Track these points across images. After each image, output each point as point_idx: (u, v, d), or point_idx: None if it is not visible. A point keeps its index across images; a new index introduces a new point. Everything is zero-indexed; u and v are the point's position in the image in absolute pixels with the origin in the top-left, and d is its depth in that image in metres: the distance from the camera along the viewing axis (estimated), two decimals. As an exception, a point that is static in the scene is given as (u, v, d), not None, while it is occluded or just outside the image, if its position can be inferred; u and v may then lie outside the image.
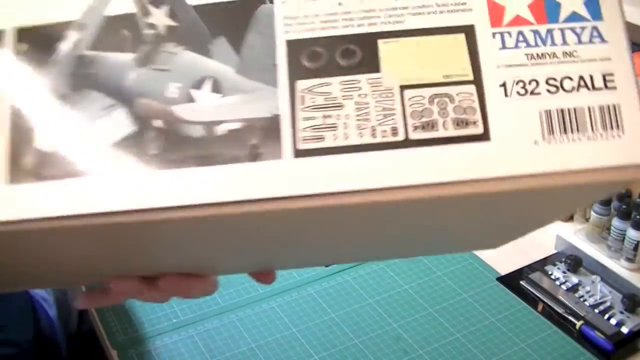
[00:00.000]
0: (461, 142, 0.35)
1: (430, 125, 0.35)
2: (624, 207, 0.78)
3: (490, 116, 0.35)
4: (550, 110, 0.35)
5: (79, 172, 0.35)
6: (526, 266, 0.80)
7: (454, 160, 0.35)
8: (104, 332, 0.79)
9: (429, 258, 0.80)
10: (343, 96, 0.36)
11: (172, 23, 0.38)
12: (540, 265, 0.80)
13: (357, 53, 0.36)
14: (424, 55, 0.36)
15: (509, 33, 0.36)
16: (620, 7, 0.37)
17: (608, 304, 0.73)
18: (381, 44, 0.36)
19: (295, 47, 0.36)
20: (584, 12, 0.37)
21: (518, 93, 0.36)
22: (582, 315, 0.71)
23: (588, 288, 0.75)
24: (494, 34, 0.36)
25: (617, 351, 0.69)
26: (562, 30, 0.37)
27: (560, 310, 0.71)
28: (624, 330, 0.69)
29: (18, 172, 0.35)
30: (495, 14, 0.37)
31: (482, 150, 0.35)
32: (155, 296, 0.50)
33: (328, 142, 0.35)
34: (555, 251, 0.84)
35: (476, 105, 0.35)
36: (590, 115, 0.36)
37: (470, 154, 0.35)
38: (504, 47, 0.36)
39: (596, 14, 0.37)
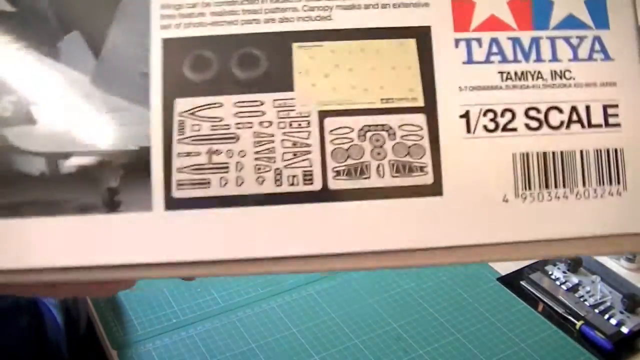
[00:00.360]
0: (401, 195, 0.25)
1: (359, 171, 0.25)
2: None
3: (444, 160, 0.25)
4: (528, 154, 0.25)
5: None
6: (526, 266, 0.76)
7: (390, 223, 0.25)
8: (104, 332, 0.76)
9: None
10: (238, 124, 0.25)
11: (7, 8, 0.27)
12: (540, 265, 0.76)
13: (261, 62, 0.26)
14: (356, 68, 0.26)
15: (479, 41, 0.26)
16: (634, 11, 0.26)
17: (608, 304, 0.71)
18: (296, 49, 0.26)
19: (174, 49, 0.26)
20: (584, 15, 0.26)
21: (485, 128, 0.25)
22: (582, 315, 0.69)
23: (588, 288, 0.73)
24: (457, 41, 0.26)
25: (617, 351, 0.66)
26: (552, 40, 0.26)
27: (560, 310, 0.69)
28: (624, 330, 0.67)
29: None
30: (461, 12, 0.26)
31: (430, 208, 0.25)
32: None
33: (214, 190, 0.25)
34: None
35: (426, 143, 0.25)
36: (582, 163, 0.25)
37: (414, 214, 0.25)
38: (469, 60, 0.26)
39: (601, 20, 0.26)
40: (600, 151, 0.25)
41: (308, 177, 0.25)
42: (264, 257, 0.25)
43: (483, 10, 0.26)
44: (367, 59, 0.26)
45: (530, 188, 0.25)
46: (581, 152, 0.25)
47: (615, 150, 0.25)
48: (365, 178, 0.25)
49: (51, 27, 0.26)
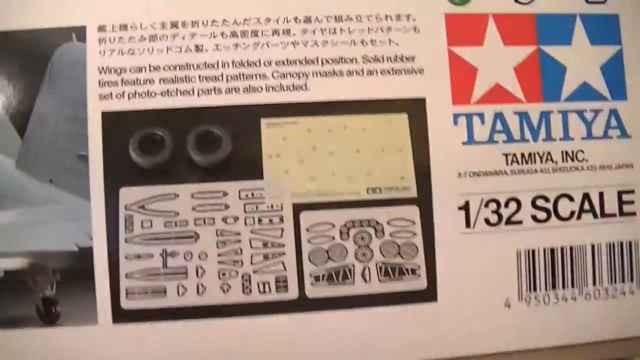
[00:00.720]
0: (391, 303, 0.21)
1: (342, 275, 0.21)
2: None
3: (439, 261, 0.22)
4: (534, 251, 0.22)
5: None
6: None
7: (377, 335, 0.22)
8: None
9: None
10: (198, 219, 0.21)
11: None
12: None
13: (223, 142, 0.21)
14: (338, 150, 0.21)
15: (481, 116, 0.22)
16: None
17: None
18: (266, 127, 0.21)
19: (118, 125, 0.21)
20: (599, 83, 0.22)
21: (487, 221, 0.22)
22: None
23: None
24: (456, 117, 0.22)
25: None
26: (564, 115, 0.22)
27: None
28: None
29: None
30: (462, 80, 0.22)
31: (423, 316, 0.22)
32: None
33: (170, 300, 0.21)
34: None
35: (419, 241, 0.21)
36: (594, 260, 0.22)
37: (404, 324, 0.22)
38: (470, 140, 0.22)
39: (618, 88, 0.22)
40: (613, 245, 0.22)
41: (282, 284, 0.21)
42: (232, 373, 0.21)
43: (487, 78, 0.22)
44: (351, 139, 0.21)
45: (535, 290, 0.22)
46: (592, 246, 0.22)
47: (630, 244, 0.22)
48: (349, 284, 0.21)
49: (-39, 94, 0.21)
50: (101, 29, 0.21)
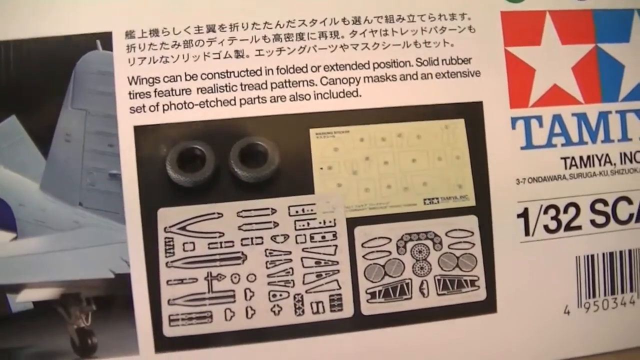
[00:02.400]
0: (449, 316, 0.20)
1: (399, 291, 0.20)
2: None
3: (499, 271, 0.21)
4: (593, 257, 0.21)
5: None
6: None
7: (436, 349, 0.20)
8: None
9: None
10: (244, 240, 0.20)
11: None
12: None
13: (269, 156, 0.20)
14: (393, 160, 0.20)
15: (539, 119, 0.21)
16: None
17: None
18: (315, 137, 0.20)
19: (152, 140, 0.19)
20: (660, 81, 0.22)
21: (547, 228, 0.21)
22: None
23: None
24: (514, 120, 0.21)
25: None
26: (622, 115, 0.21)
27: None
28: None
29: None
30: (519, 82, 0.21)
31: (482, 328, 0.21)
32: None
33: (217, 325, 0.19)
34: None
35: (478, 252, 0.20)
36: (655, 263, 0.22)
37: (463, 337, 0.21)
38: (529, 144, 0.21)
39: (679, 86, 0.22)
40: None
41: (337, 303, 0.20)
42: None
43: (544, 79, 0.21)
44: (406, 148, 0.20)
45: (594, 296, 0.21)
46: None
47: None
48: (406, 299, 0.20)
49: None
50: (129, 34, 0.20)
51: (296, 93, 0.20)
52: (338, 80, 0.20)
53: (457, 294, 0.20)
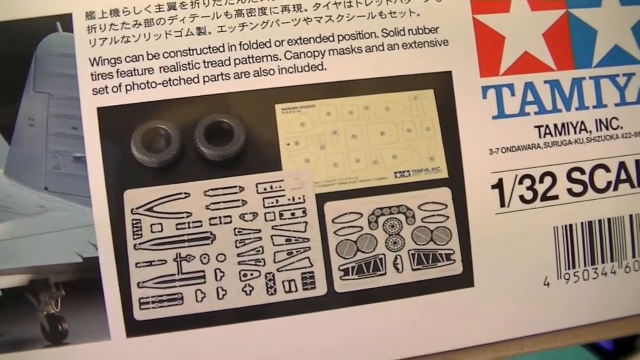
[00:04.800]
0: (425, 292, 0.20)
1: (372, 266, 0.20)
2: None
3: (475, 243, 0.20)
4: (572, 226, 0.21)
5: None
6: None
7: (413, 326, 0.20)
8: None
9: None
10: (212, 219, 0.19)
11: None
12: None
13: (235, 133, 0.19)
14: (361, 133, 0.20)
15: (511, 87, 0.20)
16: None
17: None
18: (281, 113, 0.20)
19: (116, 121, 0.19)
20: (631, 45, 0.21)
21: (522, 198, 0.20)
22: None
23: None
24: (485, 89, 0.20)
25: (617, 351, 0.65)
26: (596, 81, 0.21)
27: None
28: None
29: None
30: (489, 50, 0.20)
31: (459, 303, 0.20)
32: None
33: (188, 307, 0.19)
34: None
35: (452, 224, 0.20)
36: (633, 230, 0.21)
37: (441, 312, 0.20)
38: (501, 113, 0.20)
39: (654, 49, 0.21)
40: None
41: (309, 281, 0.20)
42: (260, 380, 0.20)
43: (515, 46, 0.20)
44: (375, 120, 0.20)
45: (574, 267, 0.21)
46: (630, 217, 0.21)
47: None
48: (381, 275, 0.20)
49: None
50: (89, 15, 0.19)
51: (260, 68, 0.19)
52: (302, 54, 0.19)
53: (433, 269, 0.20)
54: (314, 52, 0.20)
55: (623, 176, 0.21)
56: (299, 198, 0.19)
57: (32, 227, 0.19)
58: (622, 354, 0.62)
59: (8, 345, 0.19)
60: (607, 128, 0.21)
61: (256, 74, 0.19)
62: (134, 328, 0.19)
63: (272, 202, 0.19)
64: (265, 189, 0.19)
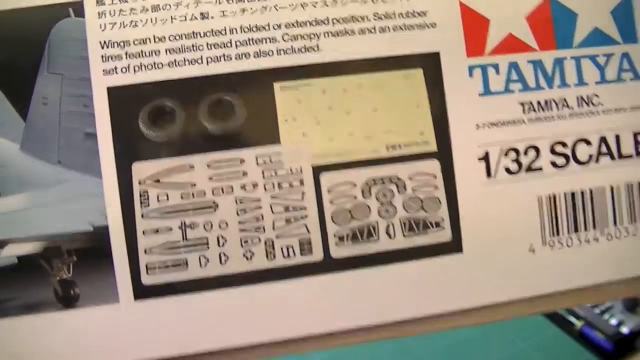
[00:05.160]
0: (416, 257, 0.21)
1: (366, 233, 0.21)
2: None
3: (463, 212, 0.21)
4: (555, 196, 0.22)
5: None
6: None
7: (405, 290, 0.21)
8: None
9: None
10: (215, 189, 0.21)
11: None
12: None
13: (236, 109, 0.21)
14: (355, 110, 0.21)
15: (496, 67, 0.22)
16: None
17: (608, 304, 0.68)
18: (279, 91, 0.21)
19: (125, 100, 0.20)
20: (611, 28, 0.22)
21: (508, 170, 0.22)
22: (582, 315, 0.66)
23: None
24: (471, 69, 0.22)
25: (617, 351, 0.64)
26: (577, 60, 0.22)
27: (560, 310, 0.67)
28: (624, 330, 0.64)
29: None
30: (474, 32, 0.22)
31: (449, 268, 0.21)
32: None
33: (192, 272, 0.20)
34: None
35: (441, 194, 0.21)
36: (613, 201, 0.22)
37: (431, 277, 0.21)
38: (487, 91, 0.22)
39: (628, 32, 0.22)
40: (632, 185, 0.22)
41: (306, 247, 0.21)
42: (260, 343, 0.21)
43: (499, 28, 0.22)
44: (367, 98, 0.21)
45: (558, 234, 0.22)
46: (612, 188, 0.22)
47: None
48: (374, 241, 0.21)
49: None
50: (99, 2, 0.21)
51: (260, 50, 0.21)
52: (299, 37, 0.21)
53: (423, 236, 0.21)
54: (310, 34, 0.21)
55: (604, 150, 0.22)
56: (297, 169, 0.21)
57: (47, 198, 0.20)
58: (622, 354, 0.64)
59: (23, 308, 0.20)
60: (588, 105, 0.22)
61: (256, 55, 0.21)
62: (141, 292, 0.20)
63: (271, 174, 0.21)
64: (264, 161, 0.21)
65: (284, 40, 0.21)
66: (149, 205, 0.20)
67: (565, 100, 0.22)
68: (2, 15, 0.20)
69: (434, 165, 0.21)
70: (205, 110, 0.20)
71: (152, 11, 0.21)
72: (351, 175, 0.21)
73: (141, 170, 0.20)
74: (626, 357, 0.65)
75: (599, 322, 0.66)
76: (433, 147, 0.21)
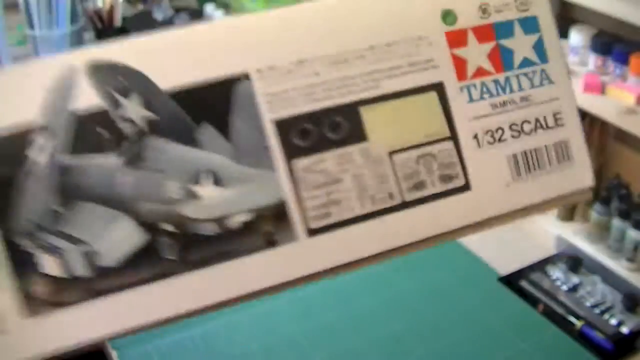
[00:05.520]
0: (447, 195, 0.39)
1: (421, 185, 0.38)
2: (624, 207, 0.81)
3: (468, 168, 0.39)
4: (516, 154, 0.40)
5: (98, 293, 0.34)
6: (526, 267, 0.77)
7: (444, 214, 0.39)
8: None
9: (429, 259, 0.80)
10: (339, 170, 0.37)
11: (149, 114, 0.36)
12: (540, 265, 0.77)
13: (343, 124, 0.38)
14: (404, 117, 0.38)
15: (474, 86, 0.40)
16: (560, 47, 0.41)
17: (608, 304, 0.71)
18: (363, 112, 0.38)
19: (283, 126, 0.37)
20: (533, 56, 0.41)
21: (488, 142, 0.40)
22: (582, 315, 0.69)
23: (588, 288, 0.73)
24: (461, 88, 0.39)
25: (617, 351, 0.67)
26: (517, 77, 0.40)
27: (560, 310, 0.70)
28: (624, 330, 0.67)
29: (33, 303, 0.33)
30: (460, 68, 0.40)
31: (464, 200, 0.39)
32: None
33: (335, 217, 0.37)
34: (555, 252, 0.81)
35: (456, 159, 0.39)
36: (547, 152, 0.41)
37: (456, 205, 0.39)
38: (471, 99, 0.40)
39: (543, 57, 0.41)
40: (556, 143, 0.41)
41: (391, 196, 0.38)
42: (375, 254, 0.38)
43: (473, 64, 0.40)
44: (409, 110, 0.39)
45: (520, 174, 0.40)
46: (546, 146, 0.41)
47: (564, 141, 0.41)
48: (425, 188, 0.38)
49: (186, 122, 0.36)
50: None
51: (350, 90, 0.38)
52: (369, 80, 0.38)
53: (449, 183, 0.39)
54: (374, 79, 0.38)
55: (539, 125, 0.41)
56: (380, 158, 0.38)
57: (249, 187, 0.37)
58: (622, 354, 0.67)
59: (245, 252, 0.36)
60: (527, 101, 0.40)
61: (349, 93, 0.38)
62: (311, 232, 0.37)
63: (366, 158, 0.38)
64: (363, 152, 0.38)
65: (362, 83, 0.38)
66: (306, 183, 0.37)
67: (514, 100, 0.40)
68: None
69: (450, 145, 0.39)
70: (328, 127, 0.37)
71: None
72: (409, 154, 0.38)
73: (299, 164, 0.37)
74: (626, 357, 0.67)
75: (599, 322, 0.68)
76: (447, 134, 0.39)
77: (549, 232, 0.84)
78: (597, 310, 0.69)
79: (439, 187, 0.39)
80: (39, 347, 0.33)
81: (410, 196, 0.38)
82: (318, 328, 0.69)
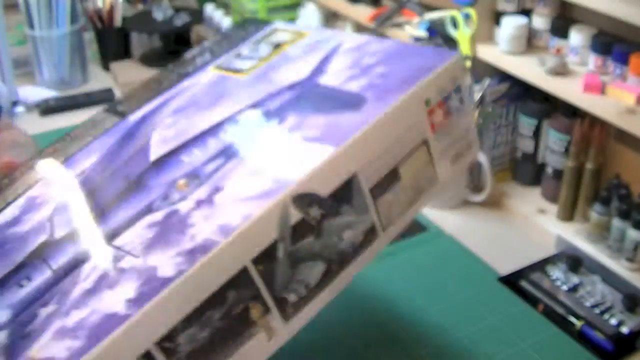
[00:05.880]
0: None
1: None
2: (624, 207, 0.75)
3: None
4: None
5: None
6: (527, 266, 0.77)
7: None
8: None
9: (429, 259, 0.79)
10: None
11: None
12: (540, 265, 0.77)
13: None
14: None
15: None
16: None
17: (608, 304, 0.70)
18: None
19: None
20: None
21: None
22: (582, 315, 0.69)
23: (588, 288, 0.73)
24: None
25: (617, 351, 0.66)
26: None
27: (560, 310, 0.70)
28: (624, 330, 0.67)
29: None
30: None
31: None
32: None
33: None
34: (555, 251, 0.81)
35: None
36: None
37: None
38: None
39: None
40: None
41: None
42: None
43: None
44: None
45: None
46: None
47: None
48: None
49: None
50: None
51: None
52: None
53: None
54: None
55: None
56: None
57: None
58: (622, 354, 0.66)
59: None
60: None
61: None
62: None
63: None
64: None
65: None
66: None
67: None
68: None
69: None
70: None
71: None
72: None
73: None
74: (626, 357, 0.66)
75: (599, 322, 0.67)
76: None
77: (549, 232, 0.84)
78: (597, 310, 0.68)
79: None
80: None
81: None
82: (315, 328, 0.66)
